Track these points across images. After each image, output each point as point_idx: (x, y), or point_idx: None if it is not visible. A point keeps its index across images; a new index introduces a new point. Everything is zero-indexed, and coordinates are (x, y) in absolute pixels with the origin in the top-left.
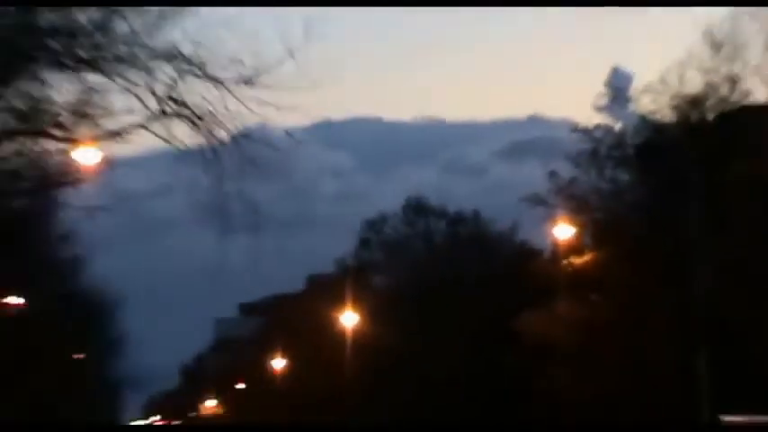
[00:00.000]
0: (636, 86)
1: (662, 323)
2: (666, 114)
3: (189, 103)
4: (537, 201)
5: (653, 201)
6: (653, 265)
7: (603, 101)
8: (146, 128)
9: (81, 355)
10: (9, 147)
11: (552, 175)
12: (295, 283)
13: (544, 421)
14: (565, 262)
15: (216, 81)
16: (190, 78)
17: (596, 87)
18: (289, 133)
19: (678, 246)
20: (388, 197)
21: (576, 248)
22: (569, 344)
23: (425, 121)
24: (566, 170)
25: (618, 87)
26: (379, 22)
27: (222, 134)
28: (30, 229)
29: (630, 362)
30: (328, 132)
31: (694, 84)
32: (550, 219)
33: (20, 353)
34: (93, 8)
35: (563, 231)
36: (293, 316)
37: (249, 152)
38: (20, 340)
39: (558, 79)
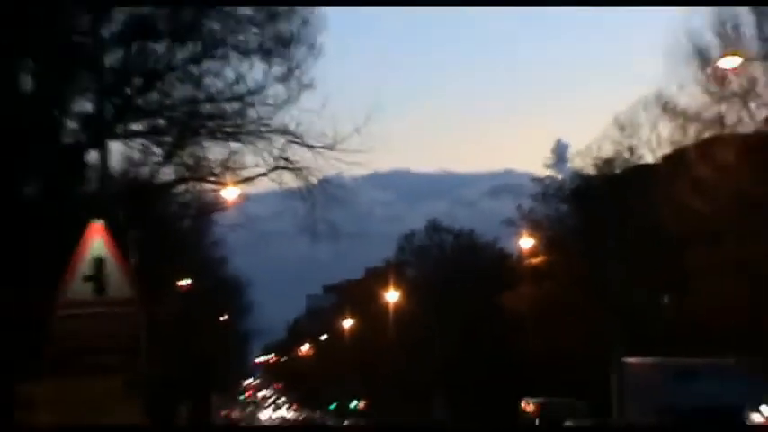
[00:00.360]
0: (572, 151)
1: (588, 299)
2: (590, 170)
3: (293, 161)
4: (510, 223)
5: (582, 225)
6: (582, 264)
7: (551, 160)
8: (266, 176)
9: (225, 317)
10: (181, 188)
11: (519, 207)
12: (358, 273)
13: (517, 369)
14: (527, 261)
15: (310, 147)
16: (294, 146)
17: (546, 152)
18: (353, 179)
19: (597, 253)
20: (415, 220)
21: (534, 253)
22: (531, 314)
23: (439, 171)
24: (527, 204)
25: (560, 152)
26: (419, 97)
27: (313, 180)
28: (194, 239)
29: (570, 325)
30: (377, 179)
31: (607, 150)
32: (518, 234)
33: (188, 319)
34: (235, 103)
35: (526, 242)
36: (357, 294)
37: (329, 192)
38: (188, 309)
39: (524, 143)
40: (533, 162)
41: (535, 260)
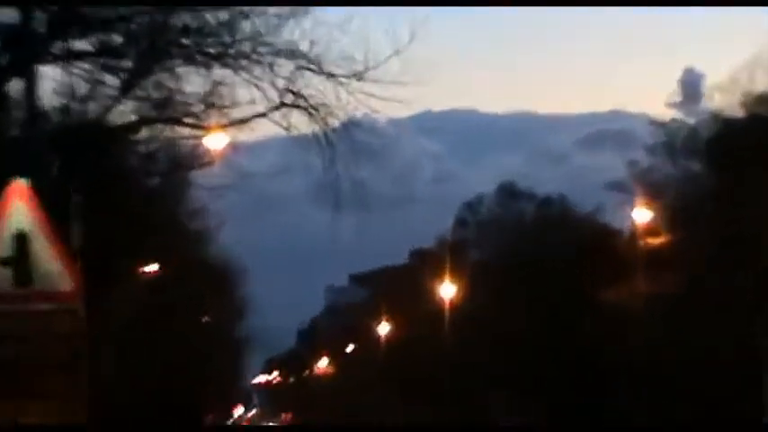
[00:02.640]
0: (708, 84)
1: (729, 301)
2: (738, 110)
3: (305, 95)
4: (618, 187)
5: (723, 189)
6: (723, 248)
7: (678, 98)
8: (267, 117)
9: (207, 318)
10: (146, 132)
11: (632, 163)
12: (399, 257)
13: (617, 383)
14: (642, 242)
15: (329, 76)
16: (306, 73)
17: (671, 85)
18: (392, 121)
19: (747, 231)
20: (478, 181)
21: (653, 230)
22: (646, 316)
23: (515, 113)
24: (644, 160)
25: (691, 85)
26: (476, 23)
27: (334, 123)
28: (164, 205)
29: (699, 336)
30: (427, 121)
31: (763, 83)
32: (630, 203)
33: (154, 320)
34: (222, 8)
35: (641, 215)
36: (398, 287)
37: (357, 139)
38: (154, 307)
39: (637, 77)
40: (652, 100)
41: (655, 240)
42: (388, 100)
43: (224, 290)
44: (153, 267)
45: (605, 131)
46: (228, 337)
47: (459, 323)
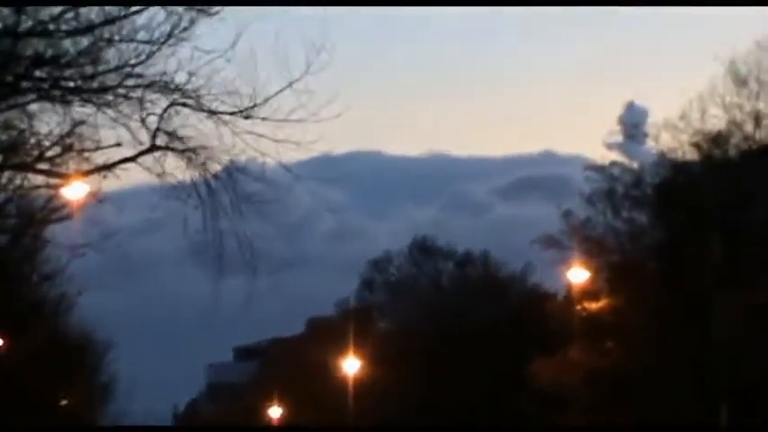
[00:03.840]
0: (652, 122)
1: (680, 376)
2: (687, 152)
3: (182, 136)
4: (549, 242)
5: (673, 244)
6: (672, 312)
7: (617, 137)
8: (136, 162)
9: (65, 401)
10: None
11: (566, 214)
12: (293, 326)
13: None
14: (579, 307)
15: (210, 113)
16: (183, 110)
17: (608, 123)
18: (286, 167)
19: (698, 293)
20: (386, 236)
21: (590, 293)
22: (582, 394)
23: (428, 156)
24: (580, 210)
25: (632, 123)
26: (385, 53)
27: (216, 168)
28: (13, 267)
29: (645, 417)
30: (326, 166)
31: (717, 120)
32: (564, 261)
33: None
34: (82, 36)
35: (577, 275)
36: (292, 360)
37: (244, 188)
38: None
39: (569, 113)
40: (588, 139)
41: (593, 304)
42: (281, 141)
43: (84, 368)
44: None
45: (534, 177)
46: (88, 425)
47: (366, 406)
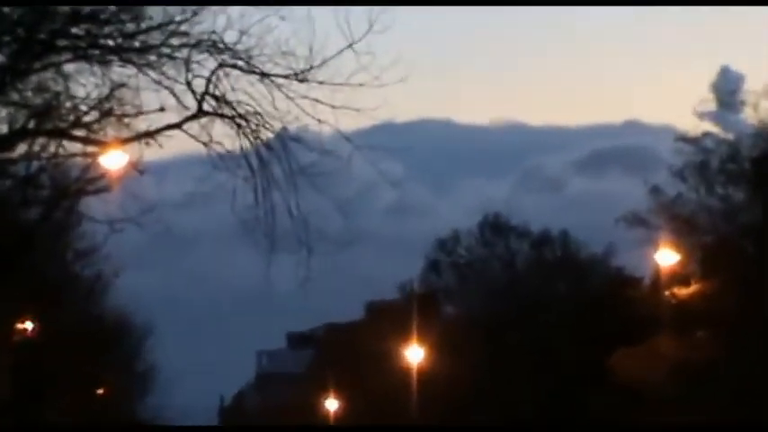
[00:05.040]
0: (749, 89)
1: None
2: None
3: (231, 102)
4: (635, 221)
5: None
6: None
7: (709, 105)
8: (181, 129)
9: (100, 391)
10: (20, 149)
11: (654, 190)
12: (351, 311)
13: None
14: (667, 293)
15: (263, 76)
16: (234, 73)
17: (700, 90)
18: (344, 136)
19: None
20: (453, 213)
21: (680, 277)
22: (670, 389)
23: (502, 125)
24: (669, 186)
25: (727, 90)
26: (455, 13)
27: (268, 136)
28: (45, 243)
29: (742, 416)
30: (389, 136)
31: None
32: (651, 242)
33: (31, 391)
34: None
35: (666, 257)
36: (349, 348)
37: (298, 158)
38: (31, 374)
39: (655, 79)
40: (678, 108)
41: (683, 290)
42: (339, 107)
43: (120, 356)
44: (28, 326)
45: (616, 149)
46: (127, 416)
47: (430, 399)
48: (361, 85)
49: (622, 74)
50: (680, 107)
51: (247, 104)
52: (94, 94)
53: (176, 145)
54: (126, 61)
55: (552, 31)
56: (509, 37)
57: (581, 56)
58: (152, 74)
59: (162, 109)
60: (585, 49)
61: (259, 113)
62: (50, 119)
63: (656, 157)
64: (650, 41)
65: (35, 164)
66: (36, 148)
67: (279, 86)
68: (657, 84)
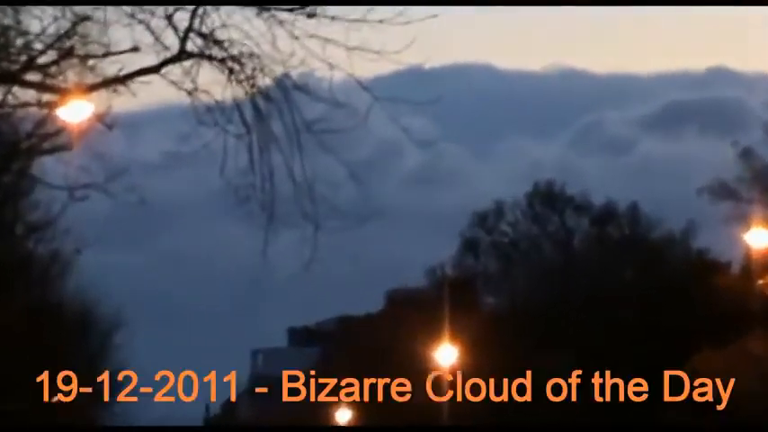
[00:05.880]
0: None
1: None
2: None
3: (221, 40)
4: (721, 192)
5: None
6: None
7: None
8: (159, 73)
9: (56, 398)
10: None
11: (745, 154)
12: (368, 301)
13: None
14: (761, 281)
15: (262, 8)
16: (224, 6)
17: None
18: (361, 85)
19: None
20: (493, 181)
21: None
22: (764, 396)
23: (553, 72)
24: (763, 148)
25: None
26: None
27: (267, 84)
28: None
29: None
30: (416, 85)
31: None
32: (741, 219)
33: None
34: None
35: (759, 238)
36: (366, 347)
37: (304, 111)
38: None
39: (743, 20)
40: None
41: None
42: (355, 49)
43: (84, 354)
44: None
45: (694, 103)
46: (90, 425)
47: (465, 407)
48: (381, 21)
49: (706, 11)
50: None
51: (241, 44)
52: (52, 30)
53: (153, 93)
54: None
55: None
56: None
57: None
58: (124, 6)
59: (136, 48)
60: None
61: (256, 55)
62: None
63: (748, 112)
64: None
65: None
66: None
67: (281, 22)
68: (750, 24)
